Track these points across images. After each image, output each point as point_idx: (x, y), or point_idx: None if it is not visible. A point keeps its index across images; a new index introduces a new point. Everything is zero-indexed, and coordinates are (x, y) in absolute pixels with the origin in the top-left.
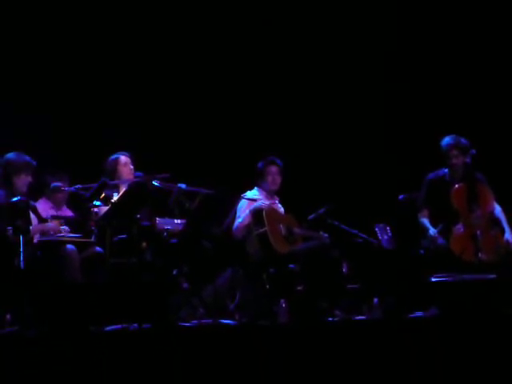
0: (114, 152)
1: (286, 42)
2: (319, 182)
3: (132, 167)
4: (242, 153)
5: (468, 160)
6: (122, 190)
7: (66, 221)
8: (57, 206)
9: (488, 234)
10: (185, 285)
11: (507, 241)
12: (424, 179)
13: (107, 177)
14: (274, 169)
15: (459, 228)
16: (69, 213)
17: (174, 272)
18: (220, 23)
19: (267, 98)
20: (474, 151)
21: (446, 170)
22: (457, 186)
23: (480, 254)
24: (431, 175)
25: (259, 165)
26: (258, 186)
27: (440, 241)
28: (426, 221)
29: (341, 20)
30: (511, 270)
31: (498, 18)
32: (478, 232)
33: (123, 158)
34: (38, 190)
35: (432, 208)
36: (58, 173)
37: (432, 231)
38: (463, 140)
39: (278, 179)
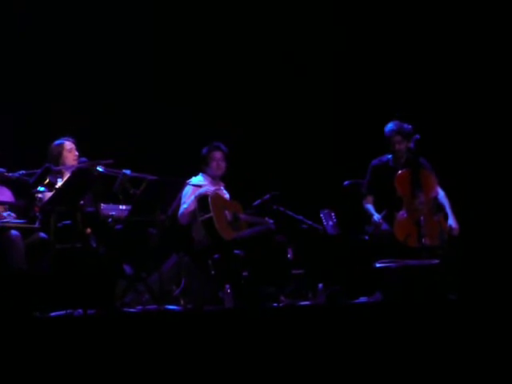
0: (59, 137)
1: (232, 27)
2: (264, 167)
3: (77, 153)
4: (187, 138)
5: (412, 145)
6: (66, 175)
7: (10, 206)
8: None
9: (431, 220)
10: (129, 270)
11: (450, 226)
12: (368, 165)
13: (51, 162)
14: (218, 155)
15: (402, 214)
16: (6, 194)
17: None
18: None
19: (212, 84)
20: (418, 136)
21: (390, 156)
22: (400, 172)
23: (423, 240)
24: (375, 161)
25: (203, 151)
26: (203, 172)
27: (384, 226)
28: (370, 207)
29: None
30: (454, 255)
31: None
32: (422, 217)
33: (68, 144)
34: None
35: (376, 194)
36: None
37: (376, 217)
38: (406, 125)
39: (223, 165)
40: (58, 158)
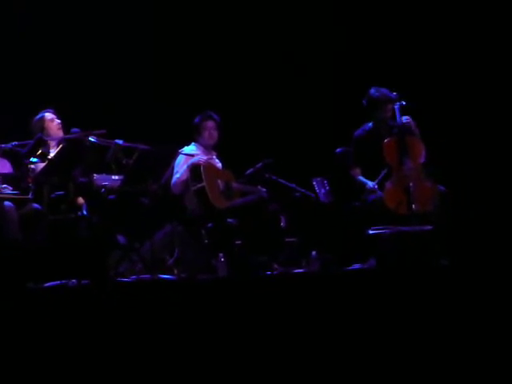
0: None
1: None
2: (256, 136)
3: (59, 121)
4: (180, 108)
5: (397, 112)
6: (54, 146)
7: (4, 178)
8: None
9: (421, 185)
10: (123, 240)
11: None
12: (352, 139)
13: None
14: (210, 124)
15: (390, 183)
16: (6, 166)
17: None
18: None
19: (204, 53)
20: (403, 103)
21: (371, 124)
22: (386, 140)
23: (414, 206)
24: (358, 132)
25: (196, 120)
26: (196, 141)
27: (379, 193)
28: (361, 178)
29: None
30: (446, 220)
31: None
32: (411, 184)
33: (48, 115)
34: None
35: (364, 164)
36: None
37: (371, 184)
38: (391, 92)
39: (215, 134)
40: (42, 130)
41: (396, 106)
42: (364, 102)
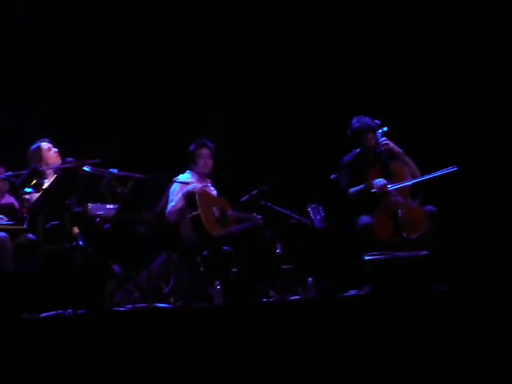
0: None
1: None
2: (251, 163)
3: (56, 150)
4: (174, 136)
5: (380, 138)
6: (52, 175)
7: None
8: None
9: (410, 211)
10: (118, 269)
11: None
12: (341, 164)
13: None
14: (205, 152)
15: (379, 213)
16: (11, 200)
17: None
18: None
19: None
20: (385, 129)
21: (358, 150)
22: (371, 170)
23: (404, 234)
24: (347, 157)
25: (190, 148)
26: (190, 169)
27: (370, 219)
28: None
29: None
30: (439, 241)
31: None
32: (399, 211)
33: (44, 144)
34: None
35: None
36: None
37: (376, 181)
38: (372, 121)
39: (210, 162)
40: (39, 160)
41: (378, 133)
42: (348, 132)
